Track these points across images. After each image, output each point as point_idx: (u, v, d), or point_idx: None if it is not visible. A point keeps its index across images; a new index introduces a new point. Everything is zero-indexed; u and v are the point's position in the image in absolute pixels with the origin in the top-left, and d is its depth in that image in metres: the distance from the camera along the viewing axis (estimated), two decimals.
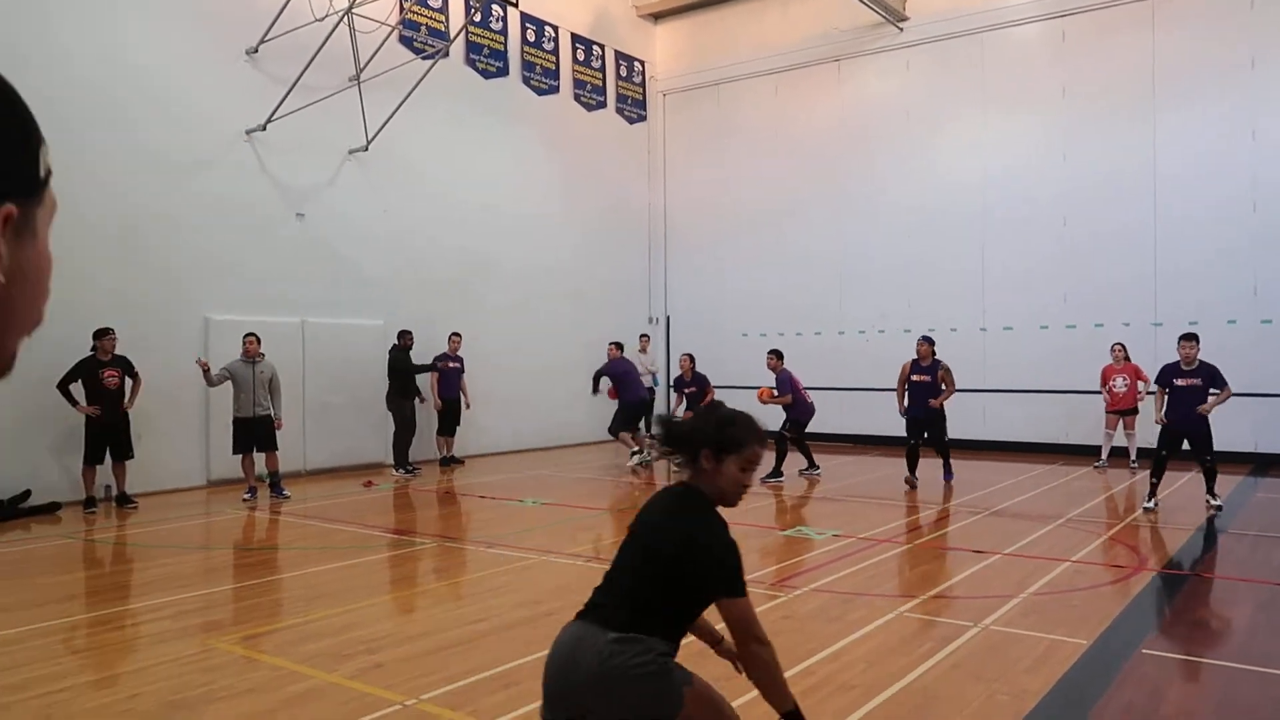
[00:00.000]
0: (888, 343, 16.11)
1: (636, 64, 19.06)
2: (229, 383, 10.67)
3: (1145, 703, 4.37)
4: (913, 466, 11.55)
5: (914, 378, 11.66)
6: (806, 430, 12.67)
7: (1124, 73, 14.37)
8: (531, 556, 7.68)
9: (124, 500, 10.24)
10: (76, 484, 10.18)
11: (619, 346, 14.25)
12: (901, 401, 11.79)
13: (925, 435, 11.68)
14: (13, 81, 0.87)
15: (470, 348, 14.25)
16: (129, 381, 10.25)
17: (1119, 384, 13.01)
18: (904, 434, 11.78)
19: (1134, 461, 13.00)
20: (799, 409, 12.45)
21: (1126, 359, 13.12)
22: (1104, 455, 13.32)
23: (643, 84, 19.22)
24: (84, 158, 10.51)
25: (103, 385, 9.99)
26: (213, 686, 4.72)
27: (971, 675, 4.71)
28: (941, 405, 11.56)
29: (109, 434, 10.05)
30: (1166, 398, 9.62)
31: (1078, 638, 5.27)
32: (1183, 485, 11.22)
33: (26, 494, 9.90)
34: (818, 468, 12.53)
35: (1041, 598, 6.22)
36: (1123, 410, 13.05)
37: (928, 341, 11.73)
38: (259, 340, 10.85)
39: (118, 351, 10.18)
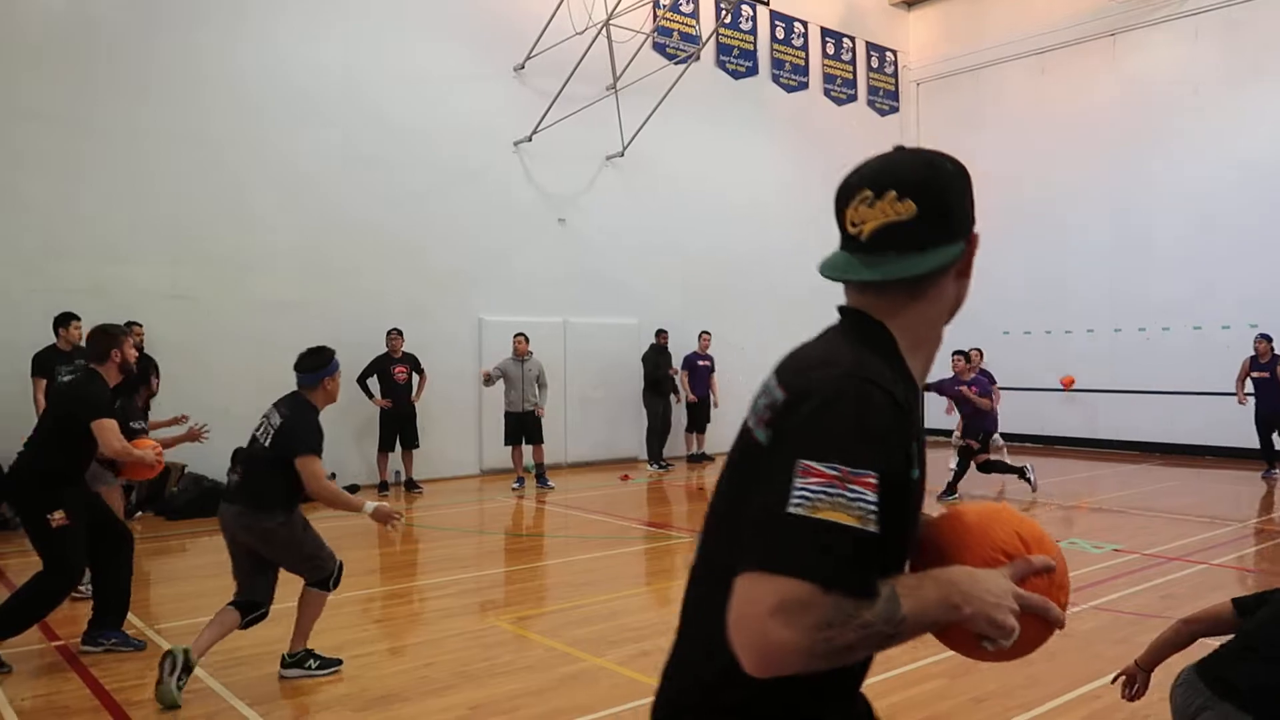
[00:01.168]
0: (1173, 341, 14.62)
1: (888, 54, 18.50)
2: (500, 380, 11.47)
3: None
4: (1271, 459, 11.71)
5: (1254, 374, 11.92)
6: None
7: None
8: None
9: (411, 485, 11.28)
10: (372, 469, 11.32)
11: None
12: (1242, 398, 12.00)
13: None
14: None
15: (721, 346, 14.44)
16: (416, 377, 11.28)
17: None
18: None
19: None
20: (991, 419, 11.00)
21: None
22: None
23: (895, 74, 18.62)
24: (384, 170, 11.72)
25: (394, 380, 11.06)
26: (494, 661, 5.10)
27: None
28: None
29: (399, 424, 11.10)
30: None
31: None
32: None
33: (332, 477, 11.10)
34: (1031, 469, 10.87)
35: None
36: None
37: (1266, 339, 11.89)
38: (527, 340, 11.58)
39: (406, 350, 11.23)
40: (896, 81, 18.65)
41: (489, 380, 11.38)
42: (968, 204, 1.45)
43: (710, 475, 13.06)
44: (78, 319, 8.78)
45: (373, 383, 11.07)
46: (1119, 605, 6.05)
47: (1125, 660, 4.88)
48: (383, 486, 11.16)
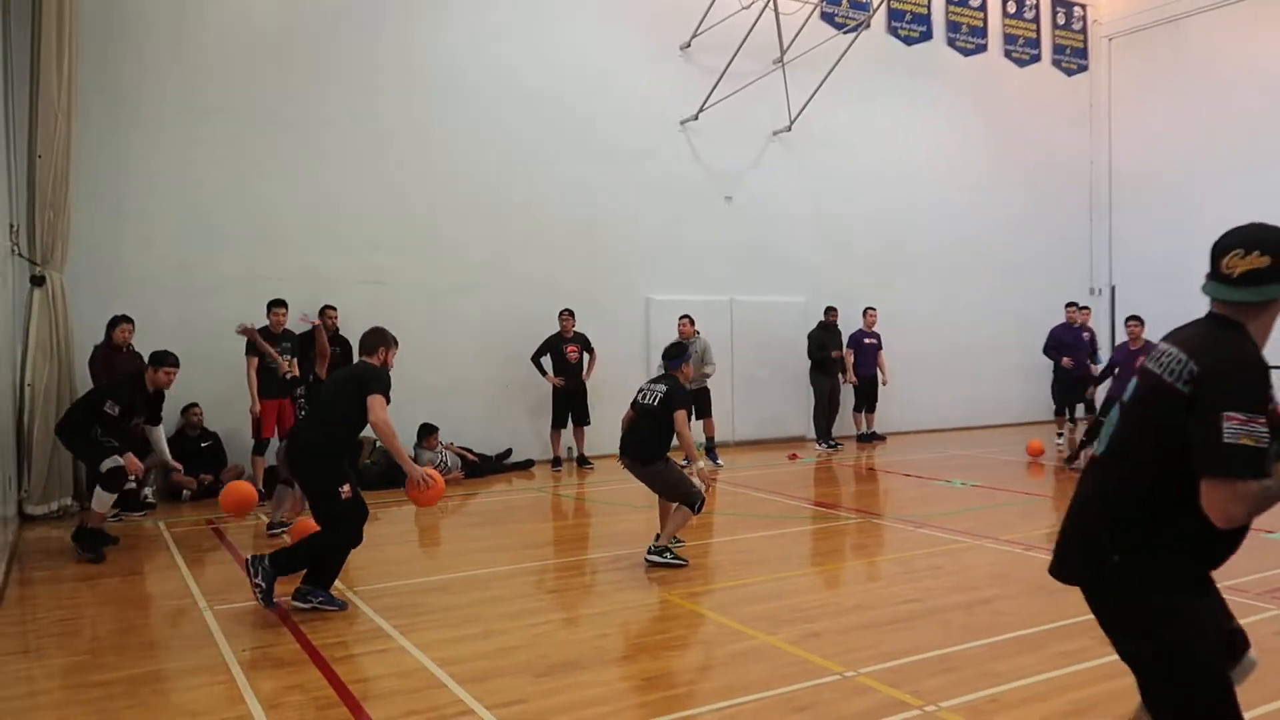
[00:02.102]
0: None
1: (1076, 9, 17.30)
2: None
3: None
4: None
5: None
6: None
7: None
8: (963, 540, 7.40)
9: (583, 461, 11.59)
10: (546, 445, 11.71)
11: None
12: None
13: None
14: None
15: (892, 322, 14.04)
16: (586, 356, 11.55)
17: None
18: None
19: None
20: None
21: None
22: None
23: (1083, 30, 17.40)
24: (554, 154, 12.06)
25: (566, 359, 11.37)
26: (668, 635, 5.19)
27: None
28: None
29: (571, 402, 11.41)
30: None
31: None
32: None
33: (508, 452, 11.59)
34: None
35: None
36: None
37: None
38: (692, 321, 11.63)
39: (577, 329, 11.51)
40: (1085, 38, 17.44)
41: None
42: None
43: (882, 455, 12.75)
44: (284, 304, 9.52)
45: (546, 362, 11.42)
46: None
47: None
48: (556, 462, 11.53)
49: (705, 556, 7.06)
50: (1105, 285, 17.30)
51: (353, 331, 10.36)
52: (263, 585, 5.41)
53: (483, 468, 11.02)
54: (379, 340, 5.93)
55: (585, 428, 11.60)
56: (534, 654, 4.82)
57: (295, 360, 9.51)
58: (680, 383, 6.80)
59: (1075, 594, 5.76)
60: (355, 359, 7.69)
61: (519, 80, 11.95)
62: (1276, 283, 2.41)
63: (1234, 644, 2.79)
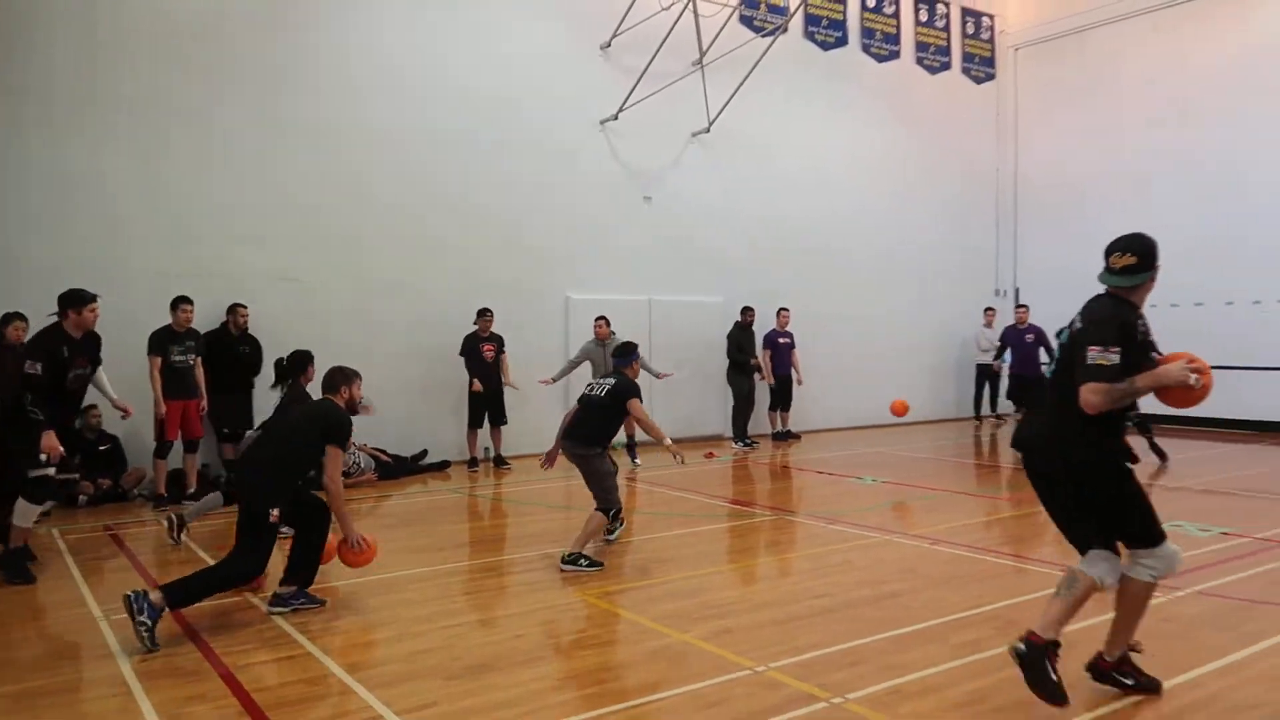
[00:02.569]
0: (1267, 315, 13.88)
1: (984, 19, 17.87)
2: (587, 362, 11.57)
3: None
4: None
5: None
6: None
7: None
8: (873, 535, 7.59)
9: (500, 461, 11.50)
10: (463, 446, 11.58)
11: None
12: None
13: None
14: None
15: (807, 323, 14.30)
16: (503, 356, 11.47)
17: None
18: None
19: None
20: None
21: None
22: None
23: (991, 40, 17.99)
24: (472, 151, 11.95)
25: (482, 358, 11.27)
26: (583, 635, 5.20)
27: None
28: None
29: (488, 402, 11.32)
30: None
31: None
32: None
33: (424, 453, 11.43)
34: None
35: None
36: None
37: None
38: (608, 323, 11.65)
39: (495, 329, 11.43)
40: (993, 48, 18.03)
41: (555, 379, 11.54)
42: (1155, 257, 4.01)
43: (796, 454, 12.97)
44: (189, 300, 9.22)
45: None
46: (1226, 590, 5.81)
47: (1231, 649, 4.71)
48: (472, 463, 11.42)
49: (622, 555, 7.08)
50: (1010, 287, 17.91)
51: (264, 330, 10.16)
52: (148, 623, 4.82)
53: (396, 469, 10.85)
54: (341, 379, 5.88)
55: (502, 427, 11.52)
56: (447, 656, 4.78)
57: (200, 360, 9.24)
58: (629, 377, 7.10)
59: (978, 585, 5.95)
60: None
61: (443, 76, 11.79)
62: (1142, 273, 3.99)
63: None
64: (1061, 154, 17.15)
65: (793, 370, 13.91)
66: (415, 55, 11.67)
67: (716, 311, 14.03)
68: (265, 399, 9.13)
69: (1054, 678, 3.79)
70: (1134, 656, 4.21)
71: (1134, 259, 3.95)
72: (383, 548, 6.30)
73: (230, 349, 9.84)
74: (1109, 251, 4.03)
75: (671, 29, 12.45)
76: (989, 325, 16.30)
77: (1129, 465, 3.97)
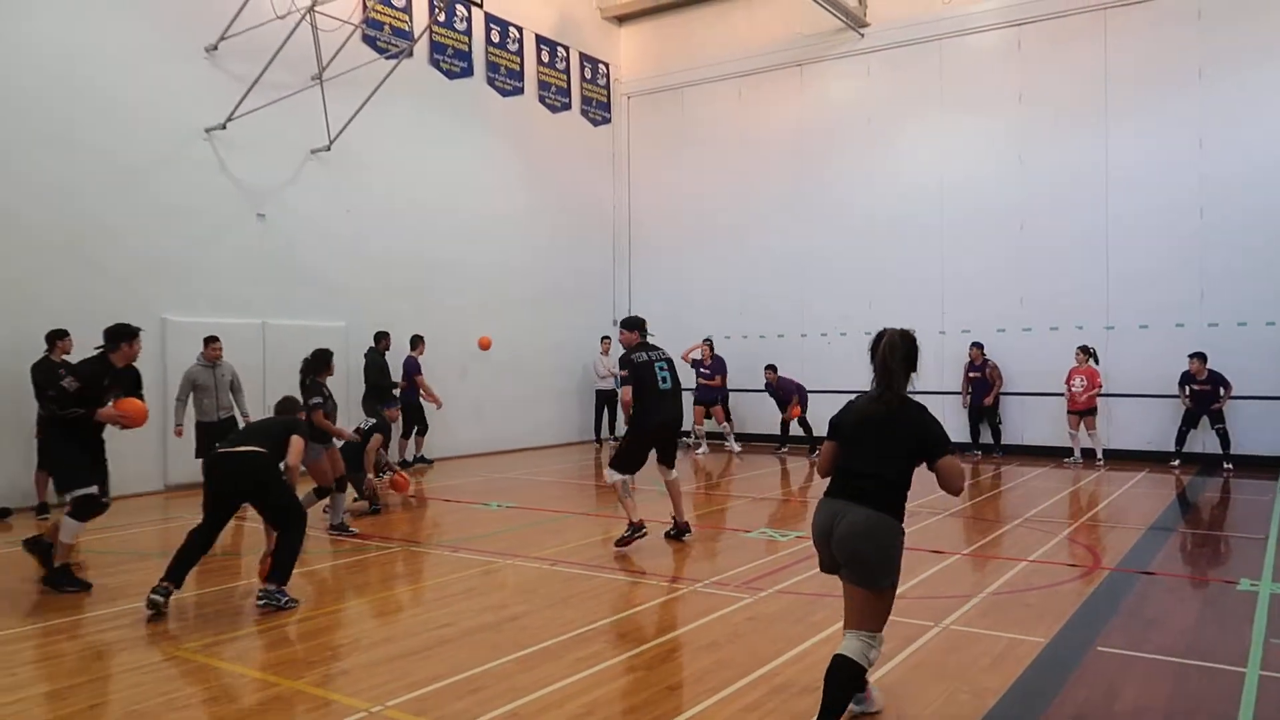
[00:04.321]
0: (849, 345, 16.31)
1: (601, 66, 19.08)
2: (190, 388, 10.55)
3: (1100, 698, 4.48)
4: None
5: (970, 375, 14.94)
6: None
7: (1078, 80, 14.67)
8: (496, 560, 7.67)
9: (43, 510, 10.04)
10: (28, 491, 9.97)
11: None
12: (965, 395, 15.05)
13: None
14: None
15: (434, 349, 14.20)
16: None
17: (1076, 384, 13.63)
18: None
19: (1100, 460, 13.80)
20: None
21: (1087, 362, 13.69)
22: (1076, 453, 14.01)
23: (607, 86, 19.25)
24: (40, 152, 10.37)
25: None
26: (174, 695, 4.67)
27: (933, 675, 4.80)
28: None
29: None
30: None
31: (1035, 636, 5.39)
32: (1135, 485, 11.51)
33: None
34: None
35: (1000, 597, 6.34)
36: (1079, 411, 13.62)
37: (978, 346, 14.90)
38: (219, 343, 10.73)
39: (73, 356, 9.98)
40: (609, 93, 19.29)
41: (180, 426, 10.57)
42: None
43: (430, 481, 12.77)
44: None
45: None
46: (799, 588, 6.62)
47: (804, 637, 5.38)
48: (42, 509, 9.86)
49: (229, 601, 6.50)
50: (626, 316, 19.16)
51: None
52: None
53: None
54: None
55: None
56: None
57: None
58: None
59: (594, 601, 6.24)
60: None
61: (20, 65, 10.13)
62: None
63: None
64: (668, 193, 18.78)
65: (424, 397, 13.77)
66: None
67: (338, 337, 13.42)
68: None
69: None
70: None
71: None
72: None
73: None
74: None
75: (286, 40, 11.80)
76: (605, 353, 17.31)
77: None
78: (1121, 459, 13.97)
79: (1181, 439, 13.34)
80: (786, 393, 15.50)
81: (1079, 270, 14.59)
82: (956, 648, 5.23)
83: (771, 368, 15.70)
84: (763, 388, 15.92)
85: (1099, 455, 13.79)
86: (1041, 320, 14.95)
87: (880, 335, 4.02)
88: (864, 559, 3.85)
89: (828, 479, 4.15)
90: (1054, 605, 6.10)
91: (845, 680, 3.77)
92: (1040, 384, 14.77)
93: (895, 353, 3.93)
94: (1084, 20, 14.66)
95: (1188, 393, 13.19)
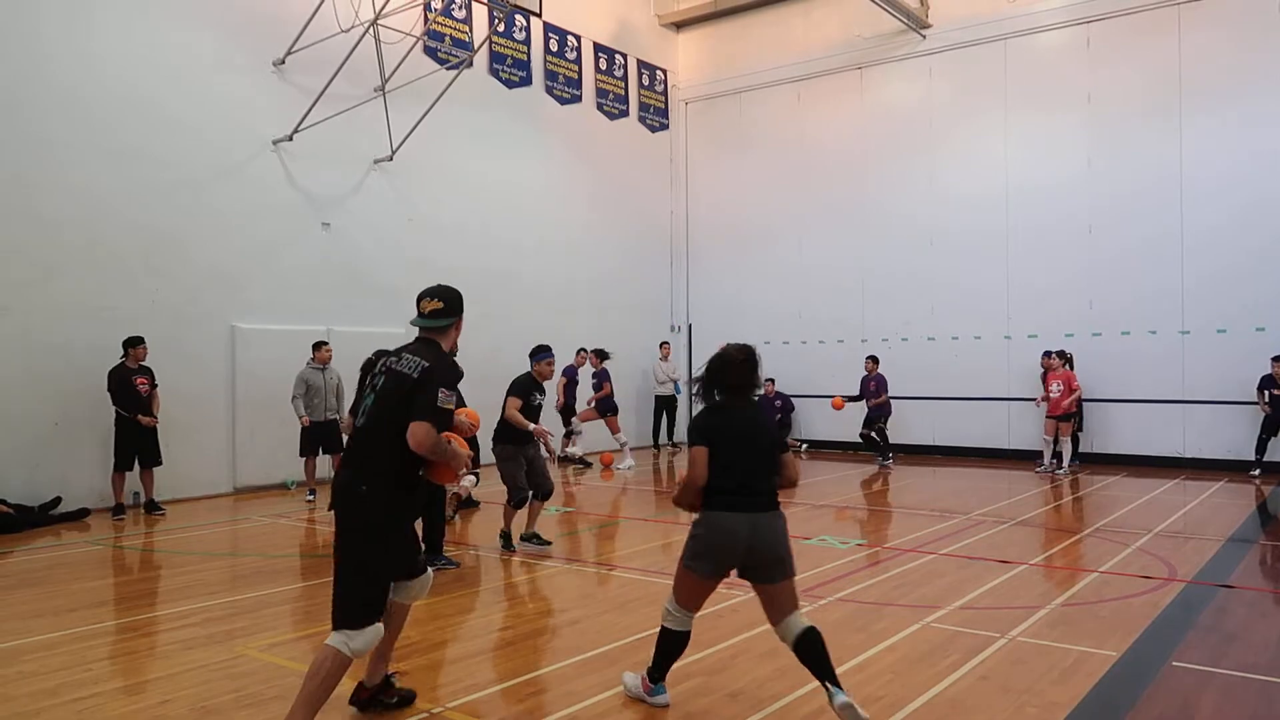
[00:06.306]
0: (910, 351, 16.05)
1: (659, 72, 19.11)
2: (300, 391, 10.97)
3: (1176, 715, 4.32)
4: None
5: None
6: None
7: (1150, 78, 14.24)
8: (555, 565, 7.68)
9: (152, 507, 10.36)
10: (106, 492, 10.30)
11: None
12: (1038, 403, 13.97)
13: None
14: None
15: (494, 359, 14.30)
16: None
17: (1054, 389, 13.46)
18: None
19: (1072, 462, 13.78)
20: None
21: (1063, 366, 13.58)
22: (1046, 459, 13.75)
23: (665, 92, 19.27)
24: (114, 166, 10.72)
25: (136, 392, 10.13)
26: (242, 693, 4.76)
27: (999, 687, 4.67)
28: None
29: (137, 441, 10.16)
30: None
31: (1106, 649, 5.22)
32: (1213, 494, 11.11)
33: (56, 501, 10.03)
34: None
35: (1069, 609, 6.16)
36: (1057, 416, 13.48)
37: (1048, 355, 13.78)
38: (329, 348, 11.25)
39: (149, 361, 10.33)
40: (666, 100, 19.31)
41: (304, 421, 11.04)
42: (460, 305, 4.46)
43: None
44: None
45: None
46: (860, 596, 6.51)
47: (866, 646, 5.28)
48: (118, 510, 10.17)
49: (292, 603, 6.61)
50: (683, 322, 19.17)
51: None
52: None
53: (21, 521, 9.41)
54: None
55: (155, 469, 10.39)
56: None
57: None
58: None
59: (652, 606, 6.18)
60: None
61: (57, 79, 10.49)
62: (448, 318, 4.31)
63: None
64: (724, 199, 18.72)
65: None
66: (74, 61, 10.33)
67: (398, 343, 13.59)
68: None
69: None
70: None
71: (441, 304, 4.27)
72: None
73: None
74: (419, 298, 4.34)
75: (351, 53, 12.04)
76: (665, 359, 17.30)
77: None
78: (1200, 468, 13.51)
79: (1262, 447, 12.85)
80: (878, 386, 14.94)
81: (1152, 274, 14.15)
82: (1023, 660, 5.09)
83: (873, 358, 15.19)
84: (827, 395, 15.62)
85: (1066, 461, 13.54)
86: (1112, 326, 14.53)
87: (724, 353, 4.46)
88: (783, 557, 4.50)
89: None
90: (1127, 618, 5.91)
91: (821, 646, 4.15)
92: (1119, 390, 14.41)
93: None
94: (1156, 16, 14.24)
95: (1267, 398, 12.70)
